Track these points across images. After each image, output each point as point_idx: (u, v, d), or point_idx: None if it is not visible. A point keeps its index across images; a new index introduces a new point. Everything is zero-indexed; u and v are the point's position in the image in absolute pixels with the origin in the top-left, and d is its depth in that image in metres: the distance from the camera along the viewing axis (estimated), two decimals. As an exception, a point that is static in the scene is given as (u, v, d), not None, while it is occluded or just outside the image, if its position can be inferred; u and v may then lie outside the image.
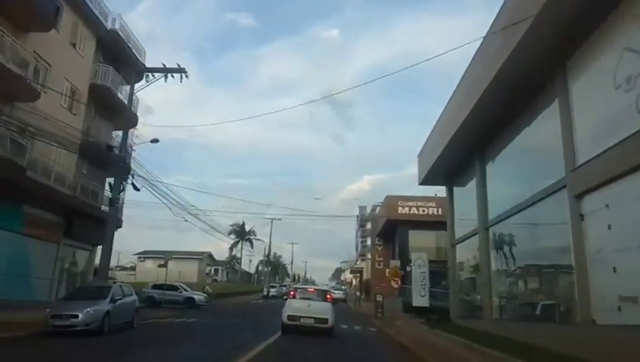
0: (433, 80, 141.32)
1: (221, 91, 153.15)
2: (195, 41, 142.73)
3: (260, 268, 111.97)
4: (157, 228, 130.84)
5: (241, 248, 60.65)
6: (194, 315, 20.88)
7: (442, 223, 21.58)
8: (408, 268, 26.26)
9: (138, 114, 22.19)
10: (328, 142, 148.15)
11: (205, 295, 27.75)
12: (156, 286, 26.60)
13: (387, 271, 28.88)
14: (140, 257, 63.23)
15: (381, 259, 41.41)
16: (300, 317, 13.51)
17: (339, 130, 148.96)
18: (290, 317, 13.59)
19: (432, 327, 14.67)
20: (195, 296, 26.33)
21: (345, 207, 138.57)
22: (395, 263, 28.17)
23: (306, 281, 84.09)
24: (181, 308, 24.25)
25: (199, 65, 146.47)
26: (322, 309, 13.81)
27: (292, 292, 15.22)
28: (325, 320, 13.50)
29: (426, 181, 21.15)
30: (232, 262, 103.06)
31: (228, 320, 19.04)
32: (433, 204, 32.56)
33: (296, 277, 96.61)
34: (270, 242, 51.62)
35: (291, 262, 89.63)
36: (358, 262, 57.51)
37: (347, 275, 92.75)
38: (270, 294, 43.06)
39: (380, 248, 40.62)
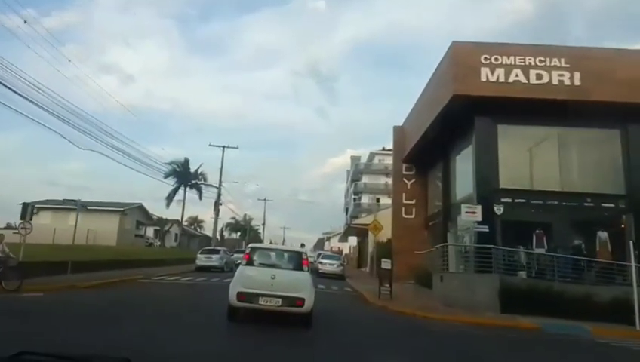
0: (418, 53, 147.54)
1: (204, 60, 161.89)
2: (179, 8, 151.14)
3: (224, 234, 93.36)
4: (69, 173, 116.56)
5: (184, 196, 40.98)
6: None
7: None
8: (498, 210, 15.52)
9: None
10: (312, 115, 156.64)
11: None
12: None
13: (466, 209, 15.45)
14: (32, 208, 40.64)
15: (411, 201, 27.38)
16: (259, 295, 9.27)
17: (322, 104, 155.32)
18: (241, 296, 9.35)
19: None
20: None
21: (325, 181, 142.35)
22: (472, 207, 15.17)
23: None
24: None
25: (182, 32, 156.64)
26: (295, 282, 9.60)
27: (246, 255, 10.27)
28: (299, 301, 9.33)
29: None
30: (194, 225, 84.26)
31: None
32: (561, 63, 16.78)
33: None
34: (220, 181, 31.21)
35: (263, 224, 70.49)
36: (360, 218, 36.32)
37: (334, 244, 72.60)
38: (203, 265, 28.54)
39: (409, 182, 27.31)
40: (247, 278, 9.62)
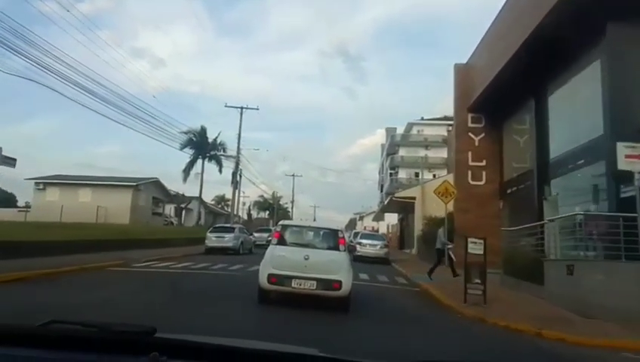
0: (447, 31, 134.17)
1: (231, 43, 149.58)
2: None
3: (252, 213, 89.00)
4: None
5: (202, 169, 35.79)
6: None
7: None
8: None
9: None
10: (340, 96, 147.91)
11: None
12: None
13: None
14: (37, 184, 37.54)
15: (480, 162, 20.49)
16: (292, 277, 8.53)
17: (350, 84, 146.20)
18: (272, 278, 8.66)
19: None
20: None
21: (355, 161, 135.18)
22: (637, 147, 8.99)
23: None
24: None
25: (211, 15, 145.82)
26: (330, 263, 8.81)
27: (277, 234, 9.64)
28: (335, 284, 8.55)
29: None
30: (221, 204, 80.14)
31: None
32: None
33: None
34: (239, 148, 25.87)
35: (292, 201, 65.38)
36: (397, 192, 30.17)
37: (368, 223, 67.09)
38: (214, 246, 23.17)
39: (477, 137, 20.48)
40: (279, 259, 8.93)
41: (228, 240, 22.74)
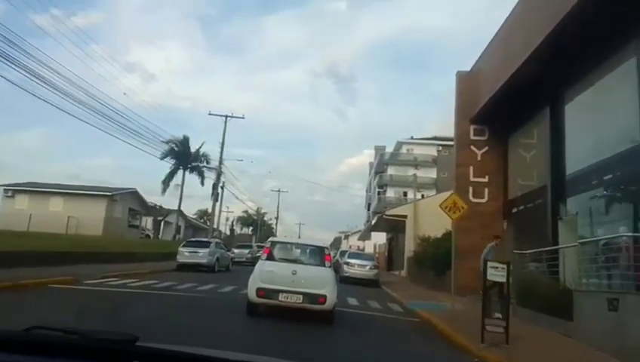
0: (438, 54, 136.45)
1: (224, 60, 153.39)
2: (200, 8, 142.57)
3: (235, 228, 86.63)
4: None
5: (183, 180, 33.66)
6: None
7: None
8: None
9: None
10: (329, 115, 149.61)
11: None
12: None
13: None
14: (6, 191, 36.41)
15: (483, 178, 18.65)
16: (280, 291, 8.93)
17: (340, 105, 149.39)
18: (261, 292, 9.05)
19: None
20: None
21: (342, 180, 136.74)
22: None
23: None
24: None
25: (203, 32, 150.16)
26: (317, 279, 9.24)
27: (267, 250, 9.99)
28: (321, 298, 8.98)
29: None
30: (204, 218, 77.92)
31: None
32: None
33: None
34: (221, 159, 23.95)
35: (277, 217, 63.42)
36: (388, 210, 28.35)
37: (353, 242, 65.41)
38: (186, 262, 20.91)
39: (480, 151, 18.73)
40: (267, 274, 9.29)
41: (202, 255, 20.43)
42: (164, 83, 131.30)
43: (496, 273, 7.93)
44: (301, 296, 8.85)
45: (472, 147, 18.13)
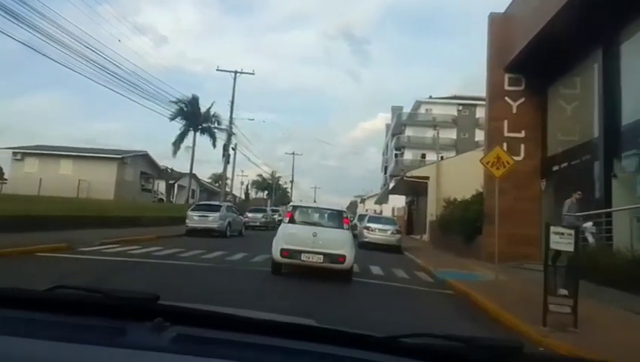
0: (454, 17, 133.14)
1: (234, 21, 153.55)
2: None
3: (250, 192, 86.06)
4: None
5: (194, 142, 32.33)
6: None
7: None
8: None
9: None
10: (343, 79, 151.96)
11: None
12: None
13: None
14: (15, 154, 39.19)
15: (519, 133, 16.59)
16: (302, 252, 9.56)
17: (354, 67, 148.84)
18: (285, 252, 9.69)
19: None
20: None
21: (357, 144, 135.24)
22: None
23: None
24: None
25: None
26: (336, 240, 9.87)
27: (289, 214, 10.85)
28: (340, 258, 9.57)
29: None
30: (219, 182, 77.46)
31: None
32: None
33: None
34: (231, 118, 22.22)
35: (291, 181, 62.24)
36: (405, 172, 26.32)
37: (369, 206, 64.38)
38: (195, 226, 19.47)
39: (515, 103, 16.54)
40: (290, 236, 9.87)
41: (213, 220, 19.01)
42: (176, 46, 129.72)
43: (561, 240, 6.40)
44: (322, 256, 9.44)
45: (507, 98, 16.19)
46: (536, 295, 7.33)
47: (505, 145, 16.13)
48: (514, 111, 16.16)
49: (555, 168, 15.03)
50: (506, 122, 16.12)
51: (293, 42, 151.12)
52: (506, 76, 16.30)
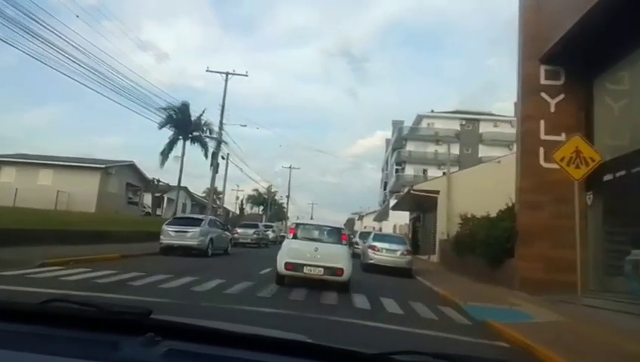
0: (452, 35, 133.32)
1: (235, 39, 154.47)
2: None
3: (245, 208, 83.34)
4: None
5: (183, 151, 29.36)
6: None
7: None
8: None
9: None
10: (341, 96, 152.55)
11: None
12: None
13: None
14: None
15: (558, 136, 13.26)
16: (304, 265, 10.55)
17: (352, 85, 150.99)
18: (288, 266, 10.65)
19: None
20: None
21: (354, 161, 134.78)
22: None
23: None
24: None
25: (216, 10, 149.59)
26: (335, 255, 10.83)
27: (292, 230, 11.98)
28: (339, 271, 10.56)
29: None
30: (211, 197, 74.83)
31: None
32: None
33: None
34: (221, 123, 20.12)
35: (287, 196, 59.72)
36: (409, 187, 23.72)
37: (368, 223, 62.19)
38: (170, 243, 16.48)
39: (553, 100, 13.59)
40: (294, 250, 10.83)
41: (192, 236, 16.03)
42: (177, 62, 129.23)
43: None
44: (322, 269, 10.38)
45: (543, 94, 13.37)
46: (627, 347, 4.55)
47: (541, 150, 13.40)
48: (552, 109, 13.30)
49: (607, 178, 12.27)
50: (542, 122, 13.26)
51: (293, 59, 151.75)
52: (542, 68, 13.50)
